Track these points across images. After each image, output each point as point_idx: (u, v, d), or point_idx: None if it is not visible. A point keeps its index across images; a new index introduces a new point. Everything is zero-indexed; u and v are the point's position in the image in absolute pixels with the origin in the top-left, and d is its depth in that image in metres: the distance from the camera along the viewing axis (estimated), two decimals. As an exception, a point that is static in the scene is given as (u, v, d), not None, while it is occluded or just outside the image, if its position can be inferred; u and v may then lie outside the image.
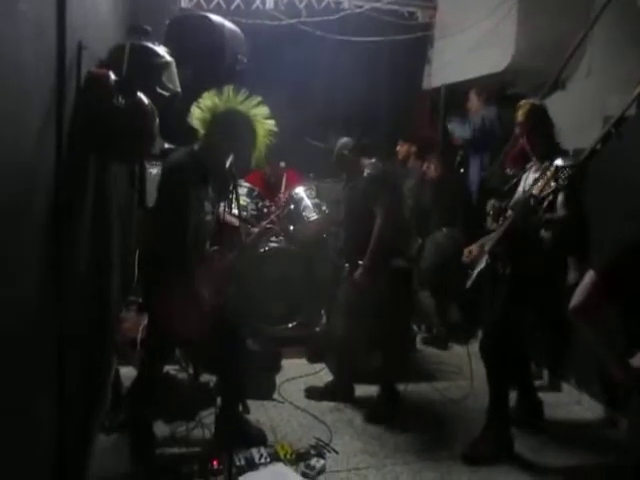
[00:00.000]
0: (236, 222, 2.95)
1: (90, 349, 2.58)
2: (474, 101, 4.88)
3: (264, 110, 2.53)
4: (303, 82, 4.95)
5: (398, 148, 5.02)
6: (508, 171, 3.85)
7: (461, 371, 3.80)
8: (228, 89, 2.49)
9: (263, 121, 2.54)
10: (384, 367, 3.35)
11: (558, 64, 4.20)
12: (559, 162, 2.70)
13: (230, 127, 2.50)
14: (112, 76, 2.12)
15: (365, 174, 3.30)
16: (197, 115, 2.51)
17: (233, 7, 4.81)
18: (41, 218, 1.71)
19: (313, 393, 3.40)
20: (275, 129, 2.56)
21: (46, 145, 1.76)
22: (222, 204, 2.66)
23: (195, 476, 2.51)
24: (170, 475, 2.54)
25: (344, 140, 3.42)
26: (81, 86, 2.07)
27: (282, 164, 4.87)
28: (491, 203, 3.59)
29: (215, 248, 2.68)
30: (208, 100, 2.50)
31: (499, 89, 4.88)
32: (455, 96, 5.40)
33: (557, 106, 4.20)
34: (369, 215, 3.19)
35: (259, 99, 2.53)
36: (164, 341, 2.63)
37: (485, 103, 4.82)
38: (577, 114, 4.12)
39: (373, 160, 3.42)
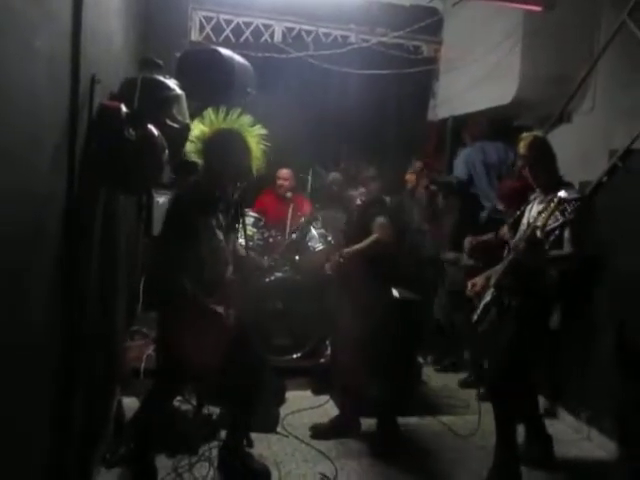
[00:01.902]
0: (242, 252, 2.96)
1: (95, 379, 2.56)
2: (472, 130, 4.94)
3: (248, 119, 2.58)
4: (310, 114, 5.01)
5: (407, 177, 5.02)
6: (501, 208, 3.84)
7: (469, 405, 3.74)
8: (208, 113, 2.53)
9: (250, 129, 2.58)
10: (382, 400, 3.30)
11: (563, 96, 4.24)
12: (563, 194, 2.69)
13: (221, 146, 2.54)
14: (123, 108, 2.16)
15: (356, 204, 3.35)
16: (191, 148, 2.55)
17: (242, 40, 4.90)
18: (52, 247, 1.72)
19: (319, 432, 3.30)
20: (265, 132, 2.61)
21: (59, 175, 1.79)
22: (233, 232, 2.69)
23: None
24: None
25: (332, 175, 3.50)
26: (93, 118, 2.11)
27: (284, 172, 4.87)
28: (468, 239, 3.59)
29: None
30: (196, 130, 2.55)
31: (504, 121, 4.92)
32: (461, 128, 5.47)
33: (563, 139, 4.24)
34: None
35: (239, 110, 2.57)
36: (180, 373, 2.59)
37: (483, 134, 4.87)
38: (583, 146, 4.15)
39: (362, 189, 3.46)
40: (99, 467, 2.73)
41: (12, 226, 1.32)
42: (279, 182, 4.79)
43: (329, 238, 4.28)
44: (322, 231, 4.31)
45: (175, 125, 2.42)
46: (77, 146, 1.91)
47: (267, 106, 2.86)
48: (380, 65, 5.15)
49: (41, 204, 1.59)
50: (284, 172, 4.84)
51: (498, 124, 4.96)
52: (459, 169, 4.87)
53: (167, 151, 2.26)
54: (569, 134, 4.33)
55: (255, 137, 2.58)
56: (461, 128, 5.26)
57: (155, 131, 2.20)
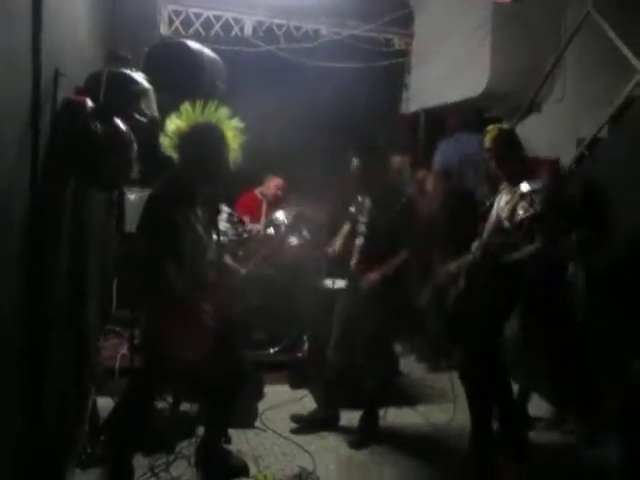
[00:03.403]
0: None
1: (66, 379, 2.51)
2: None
3: (224, 112, 2.52)
4: (283, 108, 4.98)
5: (391, 161, 4.97)
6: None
7: (445, 394, 3.78)
8: (184, 107, 2.48)
9: (227, 122, 2.53)
10: (369, 390, 3.31)
11: (533, 88, 4.31)
12: (525, 187, 2.74)
13: (197, 140, 2.48)
14: (89, 102, 2.11)
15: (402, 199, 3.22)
16: (167, 143, 2.50)
17: (212, 34, 4.84)
18: (15, 244, 1.67)
19: (299, 426, 3.30)
20: (241, 125, 2.55)
21: (21, 171, 1.74)
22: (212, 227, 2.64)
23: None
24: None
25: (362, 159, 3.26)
26: (57, 112, 2.06)
27: (278, 180, 4.87)
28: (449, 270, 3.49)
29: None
30: (171, 125, 2.49)
31: (476, 113, 4.96)
32: (433, 120, 5.50)
33: (533, 129, 4.30)
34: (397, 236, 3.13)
35: (216, 104, 2.52)
36: (163, 372, 2.55)
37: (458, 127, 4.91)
38: (553, 136, 4.22)
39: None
40: (74, 468, 2.69)
41: None
42: (272, 191, 4.78)
43: (304, 233, 4.27)
44: (297, 225, 4.29)
45: (143, 119, 2.39)
46: (40, 141, 1.86)
47: (238, 101, 2.82)
48: (352, 58, 5.16)
49: (3, 199, 1.55)
50: (279, 181, 4.86)
51: (471, 116, 5.00)
52: (437, 161, 4.90)
53: (135, 145, 2.23)
54: (539, 124, 4.40)
55: (232, 130, 2.54)
56: (433, 121, 5.29)
57: (122, 125, 2.16)
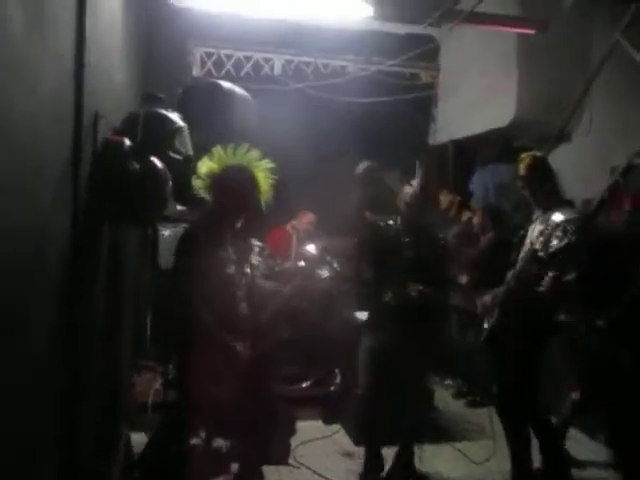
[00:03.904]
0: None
1: (101, 415, 2.53)
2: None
3: (255, 154, 2.60)
4: (312, 143, 5.07)
5: (442, 197, 5.01)
6: None
7: (483, 430, 3.67)
8: (216, 149, 2.56)
9: (259, 164, 2.61)
10: (408, 427, 3.20)
11: (561, 116, 4.29)
12: (557, 217, 2.70)
13: (229, 183, 2.56)
14: (127, 142, 2.19)
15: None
16: (199, 185, 2.58)
17: (243, 74, 4.99)
18: (56, 282, 1.72)
19: None
20: (271, 166, 2.62)
21: (63, 210, 1.80)
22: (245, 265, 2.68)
23: None
24: None
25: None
26: (97, 153, 2.14)
27: (310, 215, 4.92)
28: (485, 301, 3.17)
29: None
30: (203, 167, 2.58)
31: (506, 142, 4.96)
32: (461, 151, 5.52)
33: (563, 158, 4.26)
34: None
35: (247, 146, 2.59)
36: (195, 408, 2.55)
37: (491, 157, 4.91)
38: (583, 165, 4.17)
39: None
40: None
41: (16, 263, 1.32)
42: (304, 226, 4.84)
43: (335, 265, 4.28)
44: (327, 258, 4.31)
45: (178, 157, 2.45)
46: (80, 181, 1.93)
47: (269, 138, 2.89)
48: (379, 93, 5.23)
49: (45, 239, 1.60)
50: (311, 216, 4.92)
51: (501, 145, 5.00)
52: (476, 192, 4.91)
53: (171, 183, 2.29)
54: (569, 154, 4.36)
55: (263, 171, 2.61)
56: (461, 152, 5.30)
57: (158, 163, 2.23)
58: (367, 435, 3.24)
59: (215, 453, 3.08)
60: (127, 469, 2.91)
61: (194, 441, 3.20)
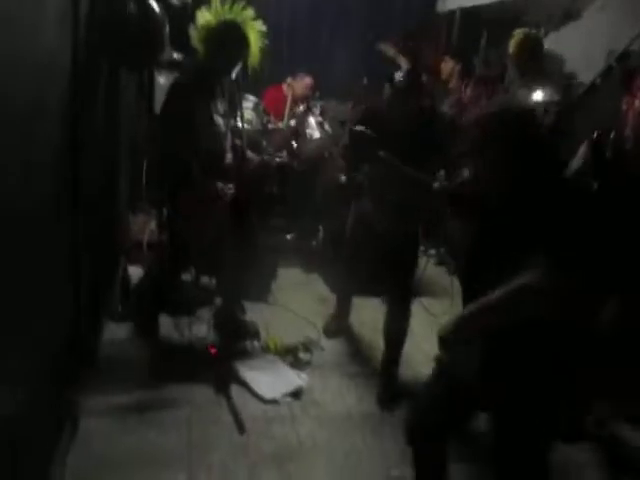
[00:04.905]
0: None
1: (101, 246, 2.81)
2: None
3: (251, 13, 2.67)
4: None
5: (442, 65, 4.86)
6: None
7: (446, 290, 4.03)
8: (214, 1, 2.60)
9: (253, 23, 2.68)
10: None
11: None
12: (539, 95, 2.70)
13: (223, 39, 2.63)
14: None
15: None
16: (195, 35, 2.64)
17: None
18: (58, 118, 1.86)
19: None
20: (264, 29, 2.70)
21: (62, 53, 1.88)
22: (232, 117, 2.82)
23: (195, 362, 2.82)
24: (172, 359, 2.85)
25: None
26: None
27: (307, 79, 4.88)
28: None
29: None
30: (201, 18, 2.62)
31: (513, 19, 4.81)
32: (471, 23, 5.34)
33: (571, 39, 4.18)
34: None
35: (244, 3, 2.65)
36: (185, 246, 2.85)
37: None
38: (588, 47, 4.09)
39: None
40: (108, 321, 3.07)
41: (18, 100, 1.43)
42: (300, 89, 4.80)
43: (326, 127, 4.38)
44: (320, 119, 4.39)
45: (175, 2, 2.47)
46: (80, 19, 1.98)
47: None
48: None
49: (48, 75, 1.70)
50: (308, 80, 4.84)
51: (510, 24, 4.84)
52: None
53: (167, 28, 2.34)
54: (576, 34, 4.25)
55: (256, 32, 2.66)
56: (471, 24, 5.11)
57: (156, 6, 2.27)
58: (342, 283, 3.54)
59: (202, 287, 3.45)
60: (124, 294, 3.27)
61: (185, 277, 3.56)
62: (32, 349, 1.65)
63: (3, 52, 1.27)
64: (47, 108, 1.74)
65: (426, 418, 1.81)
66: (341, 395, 2.82)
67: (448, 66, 4.84)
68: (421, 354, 3.13)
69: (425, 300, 3.93)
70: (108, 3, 2.17)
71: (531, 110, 1.60)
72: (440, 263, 4.74)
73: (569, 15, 4.30)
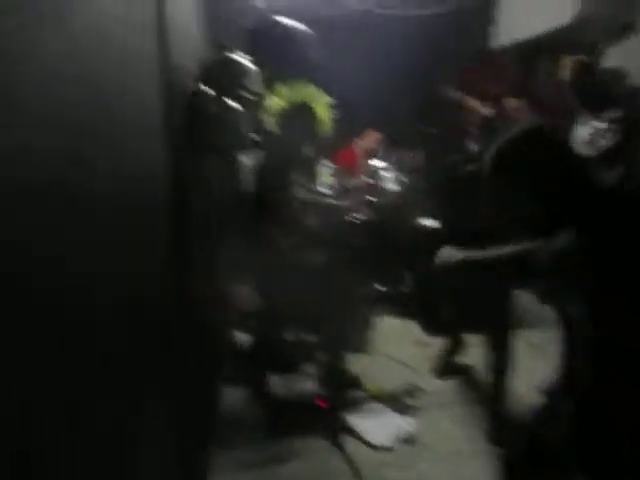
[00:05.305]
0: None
1: (207, 319, 3.12)
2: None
3: (313, 89, 2.99)
4: (375, 62, 5.24)
5: (506, 102, 4.63)
6: None
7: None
8: (279, 87, 2.94)
9: (318, 97, 3.00)
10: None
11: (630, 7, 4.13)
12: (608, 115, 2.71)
13: (294, 120, 2.97)
14: (206, 89, 2.58)
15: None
16: (268, 120, 3.00)
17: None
18: (165, 202, 2.17)
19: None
20: (330, 100, 3.02)
21: (161, 148, 2.22)
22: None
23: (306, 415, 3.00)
24: (285, 415, 3.05)
25: None
26: (185, 103, 2.54)
27: (375, 134, 5.13)
28: None
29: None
30: (272, 104, 2.99)
31: (569, 44, 4.82)
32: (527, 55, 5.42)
33: (629, 51, 4.13)
34: None
35: (305, 81, 2.99)
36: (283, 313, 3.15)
37: None
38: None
39: None
40: (222, 387, 3.34)
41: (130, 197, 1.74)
42: (369, 144, 5.05)
43: (404, 180, 4.56)
44: (396, 174, 4.59)
45: (249, 96, 2.83)
46: (173, 129, 2.34)
47: (336, 63, 3.14)
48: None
49: (150, 179, 2.03)
50: (376, 135, 5.09)
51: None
52: None
53: (246, 118, 2.68)
54: (637, 45, 4.21)
55: (323, 105, 2.97)
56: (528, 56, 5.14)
57: (234, 104, 2.62)
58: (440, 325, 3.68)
59: (303, 344, 3.65)
60: (234, 361, 3.55)
61: (286, 336, 3.80)
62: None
63: (126, 162, 1.58)
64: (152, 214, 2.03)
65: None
66: (450, 436, 2.86)
67: (512, 103, 4.88)
68: (524, 386, 3.11)
69: (525, 331, 3.92)
70: (192, 109, 2.53)
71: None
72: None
73: (628, 27, 4.28)
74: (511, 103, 4.91)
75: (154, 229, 2.04)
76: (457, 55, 5.48)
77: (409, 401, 3.07)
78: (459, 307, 3.59)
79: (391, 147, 5.16)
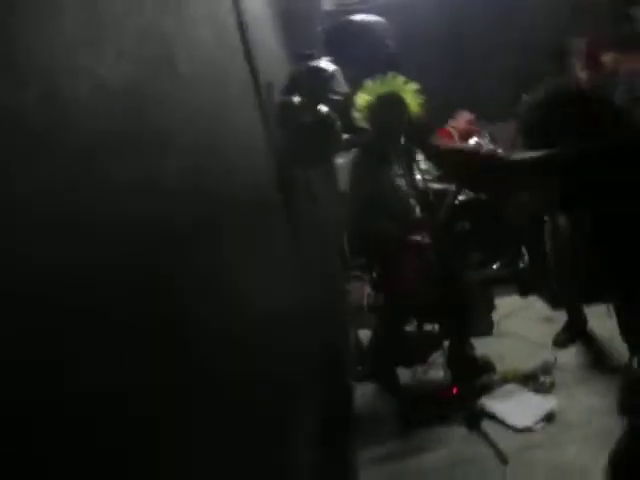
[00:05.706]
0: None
1: (330, 320, 3.20)
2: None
3: (400, 80, 3.01)
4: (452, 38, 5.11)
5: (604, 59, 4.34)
6: None
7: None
8: (366, 84, 3.00)
9: (405, 87, 3.01)
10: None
11: None
12: None
13: (383, 110, 3.00)
14: (296, 99, 2.66)
15: None
16: (358, 116, 3.04)
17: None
18: (277, 216, 2.27)
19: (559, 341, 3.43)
20: (418, 87, 3.01)
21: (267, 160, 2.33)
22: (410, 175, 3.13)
23: (433, 403, 3.01)
24: (418, 406, 3.05)
25: None
26: (277, 114, 2.64)
27: (467, 115, 5.01)
28: None
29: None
30: (359, 100, 3.02)
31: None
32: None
33: None
34: None
35: (394, 74, 3.01)
36: (401, 304, 3.17)
37: None
38: None
39: None
40: (353, 382, 3.41)
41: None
42: (463, 125, 4.93)
43: (500, 151, 4.39)
44: (492, 147, 4.44)
45: (338, 98, 2.87)
46: (271, 142, 2.44)
47: (411, 49, 3.10)
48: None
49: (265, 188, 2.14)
50: (468, 116, 4.98)
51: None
52: None
53: (338, 122, 2.72)
54: None
55: (411, 93, 2.98)
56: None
57: (325, 109, 2.67)
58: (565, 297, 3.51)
59: (428, 335, 3.63)
60: (360, 356, 3.61)
61: (409, 328, 3.80)
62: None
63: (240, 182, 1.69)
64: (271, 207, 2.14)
65: None
66: (594, 412, 2.72)
67: (610, 58, 4.49)
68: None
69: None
70: (285, 120, 2.62)
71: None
72: None
73: None
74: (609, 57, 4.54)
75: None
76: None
77: (546, 379, 2.95)
78: (579, 279, 3.41)
79: (485, 125, 5.00)
